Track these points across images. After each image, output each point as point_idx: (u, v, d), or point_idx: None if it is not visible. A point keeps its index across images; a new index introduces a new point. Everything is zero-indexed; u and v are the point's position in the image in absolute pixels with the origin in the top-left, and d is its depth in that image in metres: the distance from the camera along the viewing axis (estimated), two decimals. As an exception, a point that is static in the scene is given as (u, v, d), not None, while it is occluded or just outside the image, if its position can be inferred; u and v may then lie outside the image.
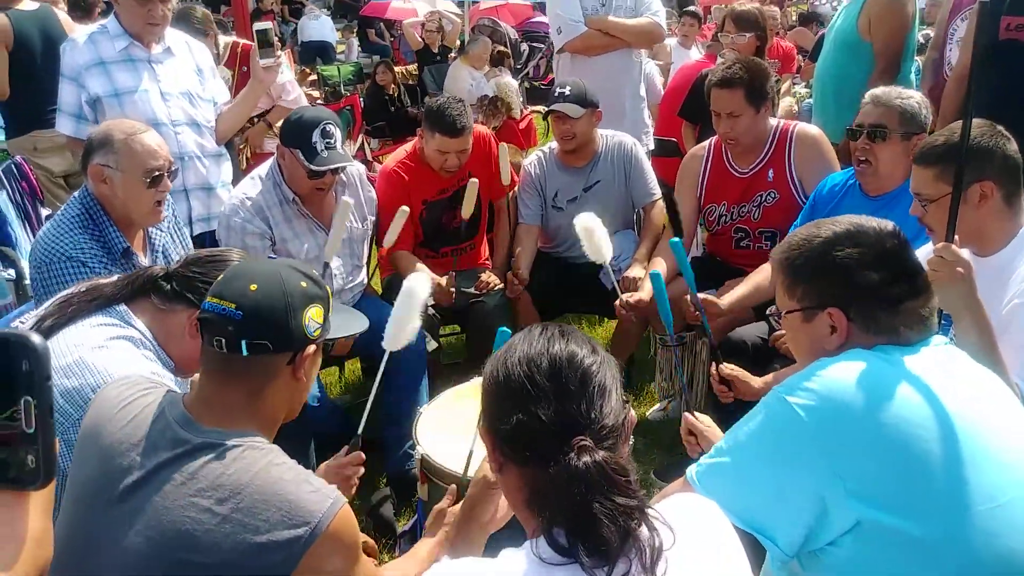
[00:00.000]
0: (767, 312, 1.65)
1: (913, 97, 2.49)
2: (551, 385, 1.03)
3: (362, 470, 1.82)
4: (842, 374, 1.31)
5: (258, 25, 3.15)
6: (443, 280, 3.07)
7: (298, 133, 2.67)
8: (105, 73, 2.92)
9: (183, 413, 1.33)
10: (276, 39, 3.14)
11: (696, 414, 1.91)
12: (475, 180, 3.08)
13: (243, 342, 1.31)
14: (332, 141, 2.68)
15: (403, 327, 1.95)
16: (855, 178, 2.60)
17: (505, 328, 1.60)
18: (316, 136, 2.64)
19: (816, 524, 1.26)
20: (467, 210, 3.11)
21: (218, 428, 1.30)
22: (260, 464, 1.26)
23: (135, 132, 2.19)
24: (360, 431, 1.87)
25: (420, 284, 1.95)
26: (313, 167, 2.64)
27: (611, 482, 0.96)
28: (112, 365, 1.60)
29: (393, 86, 8.27)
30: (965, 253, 1.73)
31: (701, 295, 2.50)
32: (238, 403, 1.34)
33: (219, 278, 1.38)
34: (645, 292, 2.93)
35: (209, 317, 1.33)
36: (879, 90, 2.55)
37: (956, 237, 1.73)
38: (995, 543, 1.22)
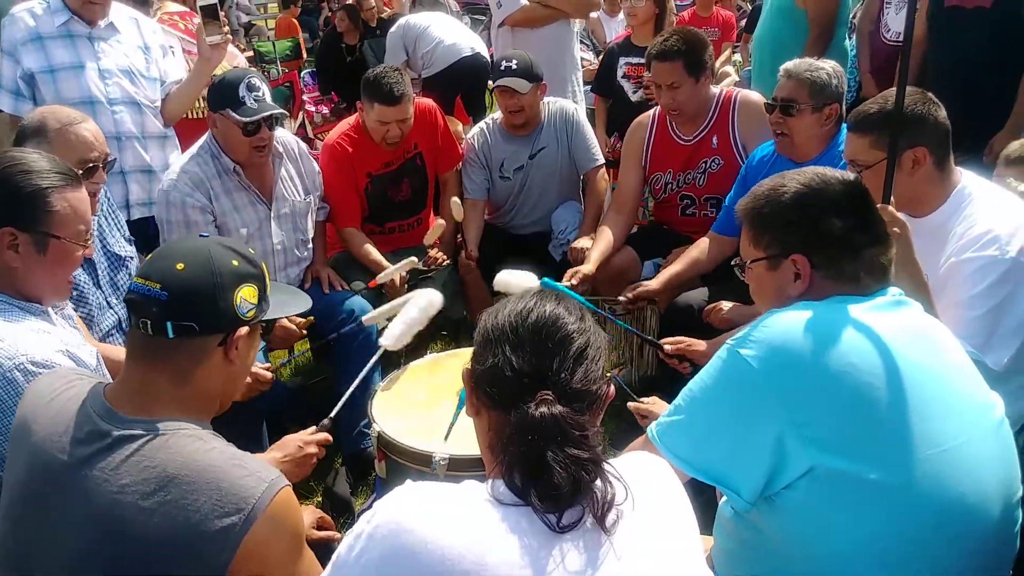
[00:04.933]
0: (732, 263, 1.68)
1: (824, 68, 2.54)
2: (531, 338, 1.08)
3: (323, 453, 1.83)
4: (790, 323, 1.34)
5: None
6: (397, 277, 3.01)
7: (224, 93, 2.63)
8: (41, 48, 2.84)
9: (103, 403, 1.26)
10: (222, 14, 3.00)
11: (641, 399, 1.97)
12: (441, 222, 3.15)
13: (168, 324, 1.25)
14: (260, 94, 2.64)
15: (411, 331, 2.20)
16: None
17: None
18: (243, 91, 2.61)
19: (774, 470, 1.29)
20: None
21: (141, 417, 1.24)
22: (187, 451, 1.19)
23: (71, 122, 2.12)
24: (332, 415, 1.93)
25: (437, 298, 2.25)
26: (245, 120, 2.59)
27: (565, 435, 1.00)
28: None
29: (354, 34, 6.90)
30: (900, 215, 1.78)
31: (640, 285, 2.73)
32: (164, 388, 1.27)
33: (148, 257, 1.33)
34: (592, 264, 2.95)
35: (134, 298, 1.27)
36: (791, 63, 2.60)
37: (892, 199, 1.78)
38: (944, 487, 1.26)
